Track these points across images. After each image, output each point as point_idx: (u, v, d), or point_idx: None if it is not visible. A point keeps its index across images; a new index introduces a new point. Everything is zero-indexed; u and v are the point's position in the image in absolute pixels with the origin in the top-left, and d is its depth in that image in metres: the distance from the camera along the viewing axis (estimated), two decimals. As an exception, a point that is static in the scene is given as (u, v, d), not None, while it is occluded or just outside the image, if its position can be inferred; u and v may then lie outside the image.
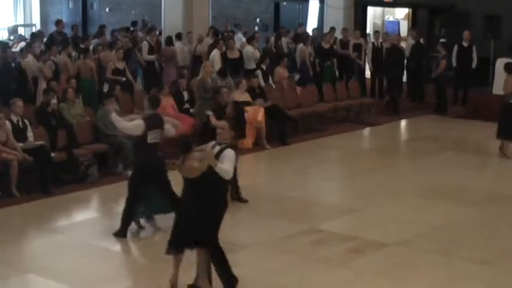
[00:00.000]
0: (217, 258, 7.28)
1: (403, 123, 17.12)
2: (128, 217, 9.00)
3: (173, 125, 9.50)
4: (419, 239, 9.15)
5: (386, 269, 8.19)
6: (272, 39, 19.26)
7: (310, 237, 9.15)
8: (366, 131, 16.15)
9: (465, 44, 18.30)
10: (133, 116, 9.72)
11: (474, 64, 18.23)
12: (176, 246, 7.25)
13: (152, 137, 8.88)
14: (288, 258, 8.48)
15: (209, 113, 12.22)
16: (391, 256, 8.61)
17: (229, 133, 7.50)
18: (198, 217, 7.09)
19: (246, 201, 10.37)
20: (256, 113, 13.99)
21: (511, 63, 13.75)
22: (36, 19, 26.54)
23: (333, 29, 19.43)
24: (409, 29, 20.98)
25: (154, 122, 8.92)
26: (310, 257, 8.51)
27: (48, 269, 8.07)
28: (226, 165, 7.12)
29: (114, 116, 9.21)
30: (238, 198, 10.31)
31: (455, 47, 18.31)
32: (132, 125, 9.03)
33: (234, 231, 9.31)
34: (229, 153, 7.24)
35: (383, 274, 8.04)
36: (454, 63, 18.11)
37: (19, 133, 10.98)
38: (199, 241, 7.18)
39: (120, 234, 8.97)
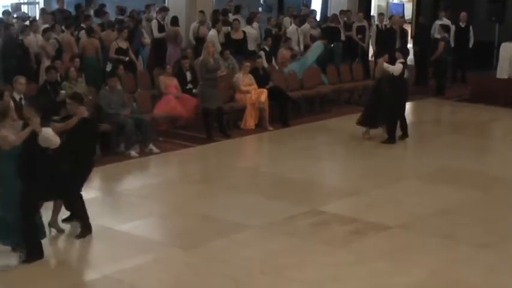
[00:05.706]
0: None
1: (406, 106, 17.03)
2: None
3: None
4: (421, 221, 9.16)
5: (387, 252, 8.20)
6: (274, 20, 19.14)
7: (311, 219, 9.16)
8: (369, 113, 16.06)
9: (462, 25, 18.82)
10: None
11: (471, 44, 18.74)
12: None
13: None
14: (289, 240, 8.49)
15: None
16: (392, 238, 8.63)
17: None
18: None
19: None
20: (259, 95, 13.97)
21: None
22: (39, -4, 26.40)
23: (342, 11, 19.37)
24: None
25: None
26: (311, 239, 8.53)
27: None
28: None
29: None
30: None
31: (453, 28, 18.76)
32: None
33: (236, 212, 9.33)
34: None
35: (384, 256, 8.05)
36: (452, 44, 18.40)
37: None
38: None
39: None
